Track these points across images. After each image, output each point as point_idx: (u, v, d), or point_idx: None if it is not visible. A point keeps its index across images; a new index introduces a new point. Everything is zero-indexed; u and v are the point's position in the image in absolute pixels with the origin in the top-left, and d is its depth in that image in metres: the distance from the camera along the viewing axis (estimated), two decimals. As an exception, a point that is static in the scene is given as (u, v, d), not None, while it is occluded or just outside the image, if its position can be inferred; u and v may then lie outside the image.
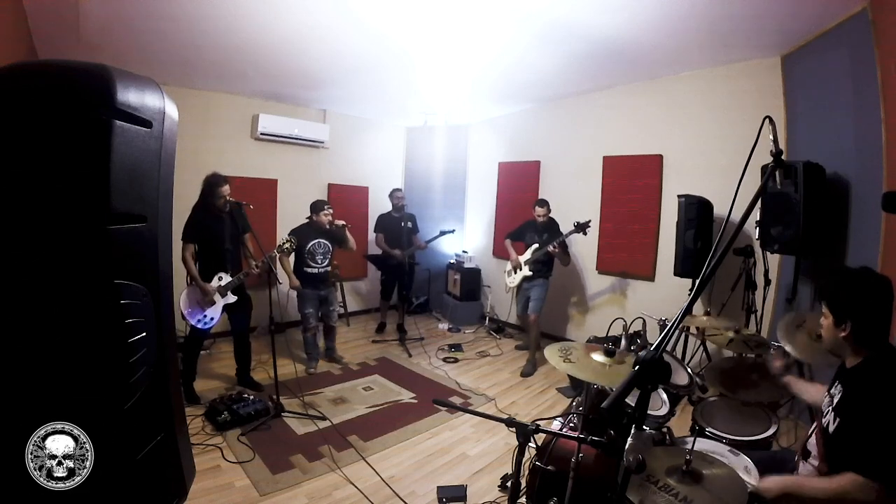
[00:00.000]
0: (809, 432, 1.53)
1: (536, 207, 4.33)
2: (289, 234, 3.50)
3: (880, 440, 1.21)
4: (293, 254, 3.82)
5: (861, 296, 1.37)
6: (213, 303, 3.23)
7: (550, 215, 4.35)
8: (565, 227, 4.21)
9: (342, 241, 4.02)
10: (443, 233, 5.19)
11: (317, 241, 3.93)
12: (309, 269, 3.94)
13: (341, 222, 3.93)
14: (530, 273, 4.32)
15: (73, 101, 1.01)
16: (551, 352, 1.82)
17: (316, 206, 3.95)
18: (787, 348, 1.86)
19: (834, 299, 1.42)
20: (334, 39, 3.41)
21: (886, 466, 1.18)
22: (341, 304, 5.63)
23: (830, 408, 1.42)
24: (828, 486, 1.28)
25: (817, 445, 1.46)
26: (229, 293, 3.30)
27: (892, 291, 1.34)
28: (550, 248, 4.10)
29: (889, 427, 1.21)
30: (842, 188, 2.76)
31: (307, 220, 4.01)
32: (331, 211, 3.93)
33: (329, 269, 4.07)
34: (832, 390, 1.49)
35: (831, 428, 1.38)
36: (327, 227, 3.91)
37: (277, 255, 3.37)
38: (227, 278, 3.28)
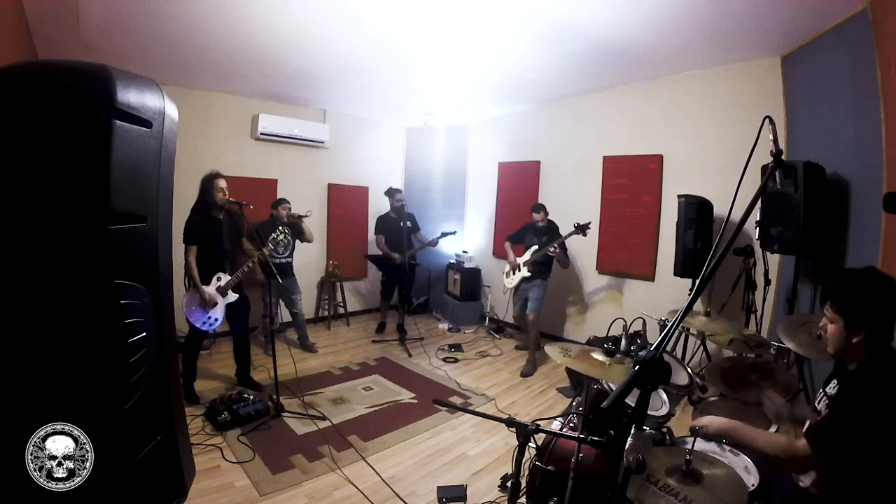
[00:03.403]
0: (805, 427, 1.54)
1: (534, 214, 4.34)
2: (260, 227, 3.67)
3: (847, 426, 1.26)
4: None
5: (878, 300, 1.31)
6: (216, 304, 3.24)
7: (549, 218, 4.35)
8: (565, 227, 4.21)
9: (300, 232, 4.36)
10: (444, 234, 5.19)
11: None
12: (272, 260, 4.13)
13: (298, 213, 4.30)
14: (529, 274, 4.32)
15: (73, 101, 1.00)
16: (552, 347, 1.84)
17: (276, 203, 4.37)
18: (790, 345, 1.87)
19: (847, 304, 1.35)
20: (334, 39, 3.40)
21: (835, 448, 1.24)
22: (341, 305, 5.65)
23: (825, 403, 1.44)
24: (764, 438, 1.38)
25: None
26: (230, 292, 3.31)
27: None
28: (551, 249, 4.10)
29: (861, 419, 1.26)
30: (842, 188, 2.75)
31: (270, 217, 4.32)
32: (288, 206, 4.36)
33: (291, 259, 4.42)
34: (828, 388, 1.48)
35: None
36: (286, 219, 4.27)
37: (270, 249, 3.43)
38: (225, 278, 3.28)
